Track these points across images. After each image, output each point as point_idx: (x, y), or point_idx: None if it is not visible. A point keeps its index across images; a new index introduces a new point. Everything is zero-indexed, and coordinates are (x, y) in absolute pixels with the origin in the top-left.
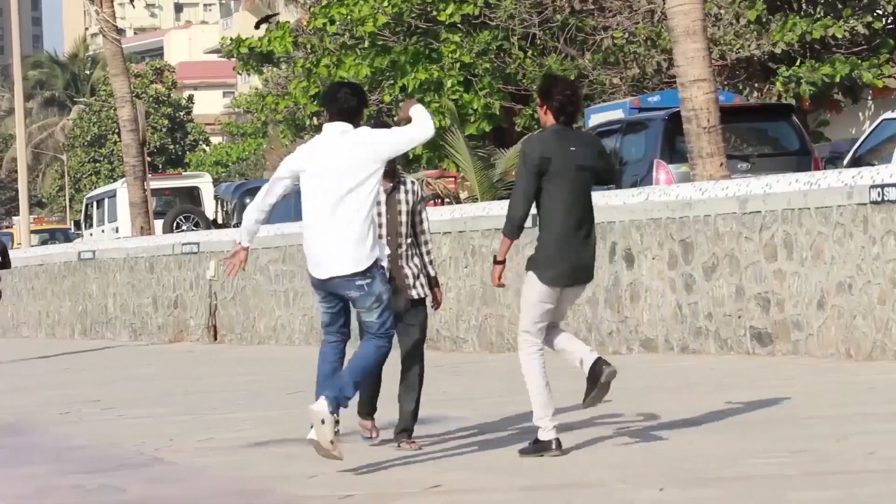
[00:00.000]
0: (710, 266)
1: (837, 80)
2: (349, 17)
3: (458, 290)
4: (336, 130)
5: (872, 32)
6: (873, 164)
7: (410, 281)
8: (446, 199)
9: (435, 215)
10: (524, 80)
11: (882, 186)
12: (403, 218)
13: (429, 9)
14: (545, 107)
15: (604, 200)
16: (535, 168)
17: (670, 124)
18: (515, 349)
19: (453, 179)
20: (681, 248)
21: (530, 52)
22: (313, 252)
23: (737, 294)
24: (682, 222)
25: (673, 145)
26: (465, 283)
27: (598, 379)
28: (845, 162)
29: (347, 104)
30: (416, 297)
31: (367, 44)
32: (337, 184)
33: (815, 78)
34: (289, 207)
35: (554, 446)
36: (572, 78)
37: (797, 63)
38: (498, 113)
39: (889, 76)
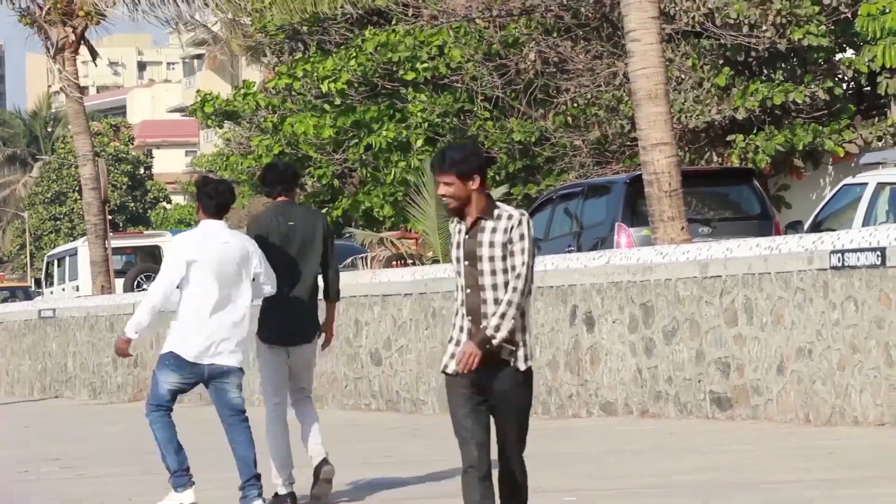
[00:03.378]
0: (671, 330)
1: (800, 147)
2: (314, 74)
3: (419, 351)
4: (219, 225)
5: (833, 98)
6: (834, 230)
7: (495, 351)
8: (409, 261)
9: (396, 276)
10: (486, 142)
11: (842, 252)
12: (486, 266)
13: (394, 68)
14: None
15: (565, 263)
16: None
17: (632, 187)
18: None
19: (415, 241)
20: (641, 311)
21: (493, 113)
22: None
23: (697, 358)
24: (642, 286)
25: (634, 209)
26: (425, 344)
27: (318, 475)
28: (806, 227)
29: (227, 200)
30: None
31: (335, 102)
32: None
33: (770, 147)
34: None
35: (289, 501)
36: (534, 140)
37: (755, 131)
38: None
39: (849, 142)
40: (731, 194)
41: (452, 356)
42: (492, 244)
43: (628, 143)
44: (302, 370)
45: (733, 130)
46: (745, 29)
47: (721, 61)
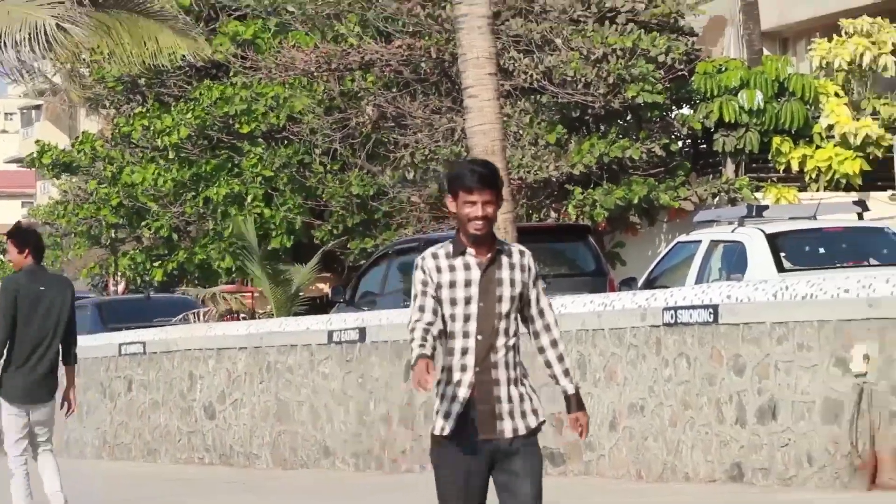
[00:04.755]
0: None
1: (635, 201)
2: (152, 128)
3: (253, 405)
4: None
5: (669, 154)
6: (667, 287)
7: (505, 407)
8: (242, 315)
9: (231, 330)
10: (324, 195)
11: (675, 309)
12: (505, 307)
13: (231, 122)
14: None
15: (400, 318)
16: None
17: None
18: (309, 465)
19: (250, 294)
20: None
21: (331, 166)
22: None
23: None
24: None
25: None
26: (259, 398)
27: None
28: (639, 284)
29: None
30: (512, 432)
31: (170, 155)
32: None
33: (609, 202)
34: (83, 320)
35: None
36: (372, 194)
37: (592, 185)
38: (299, 227)
39: (685, 198)
40: (567, 251)
41: (446, 416)
42: (512, 283)
43: None
44: (42, 426)
45: (571, 185)
46: (582, 87)
47: (558, 117)
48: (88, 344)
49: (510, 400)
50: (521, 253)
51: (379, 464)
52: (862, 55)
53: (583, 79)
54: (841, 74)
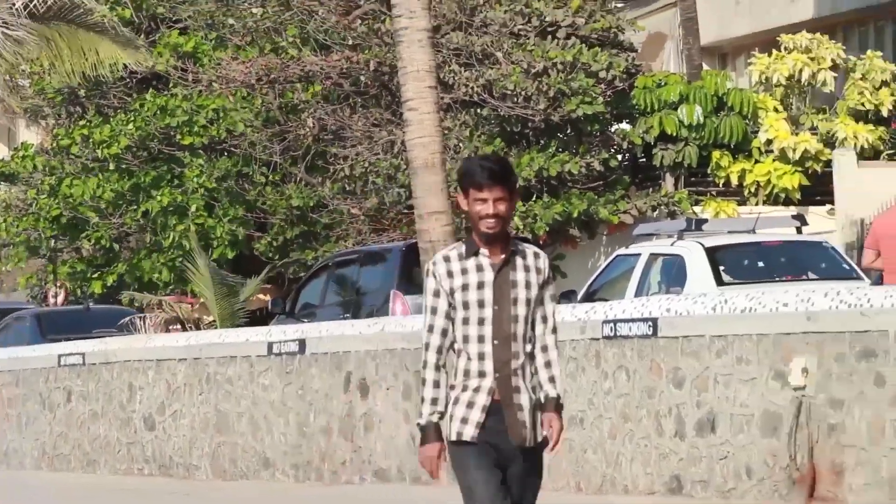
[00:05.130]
0: None
1: (575, 214)
2: (92, 138)
3: (193, 416)
4: None
5: (608, 168)
6: (607, 300)
7: (527, 417)
8: (187, 325)
9: (171, 341)
10: (264, 207)
11: (614, 322)
12: (521, 310)
13: (172, 133)
14: None
15: (339, 330)
16: None
17: (408, 255)
18: (249, 476)
19: (191, 305)
20: (415, 379)
21: (271, 178)
22: None
23: None
24: (417, 353)
25: (410, 276)
26: (199, 409)
27: None
28: (579, 297)
29: None
30: (532, 441)
31: (111, 166)
32: None
33: (548, 216)
34: (22, 331)
35: None
36: (312, 206)
37: (533, 198)
38: (241, 239)
39: (624, 212)
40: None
41: (465, 421)
42: (528, 285)
43: (405, 210)
44: None
45: None
46: (522, 100)
47: (498, 130)
48: (27, 355)
49: (531, 408)
50: (536, 255)
51: (319, 475)
52: (801, 71)
53: (523, 92)
54: (780, 90)
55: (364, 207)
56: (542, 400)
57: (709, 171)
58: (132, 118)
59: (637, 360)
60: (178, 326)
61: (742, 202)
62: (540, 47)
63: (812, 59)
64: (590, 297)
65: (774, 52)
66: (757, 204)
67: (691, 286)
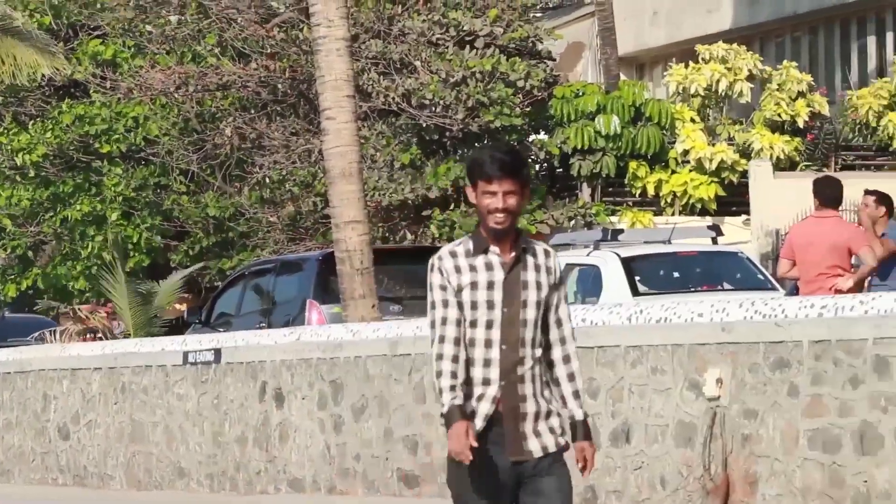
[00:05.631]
0: (360, 407)
1: None
2: (9, 147)
3: (107, 426)
4: None
5: None
6: None
7: (530, 426)
8: (99, 335)
9: (86, 350)
10: (181, 216)
11: None
12: (531, 313)
13: (91, 141)
14: None
15: (255, 339)
16: None
17: (324, 265)
18: (164, 487)
19: (106, 315)
20: (331, 388)
21: (189, 187)
22: None
23: (385, 436)
24: (332, 363)
25: (326, 286)
26: (114, 419)
27: None
28: None
29: None
30: (542, 451)
31: (30, 174)
32: None
33: (467, 225)
34: None
35: None
36: (229, 215)
37: (451, 207)
38: (158, 247)
39: (541, 222)
40: (423, 273)
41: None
42: (538, 286)
43: (322, 220)
44: None
45: (429, 208)
46: (440, 109)
47: (416, 140)
48: None
49: (537, 417)
50: (546, 253)
51: (234, 485)
52: (718, 81)
53: (442, 102)
54: (697, 100)
55: (281, 216)
56: (570, 421)
57: (626, 182)
58: (50, 126)
59: None
60: (93, 336)
61: (658, 213)
62: (458, 57)
63: (729, 69)
64: None
65: (692, 62)
66: (673, 214)
67: (607, 296)
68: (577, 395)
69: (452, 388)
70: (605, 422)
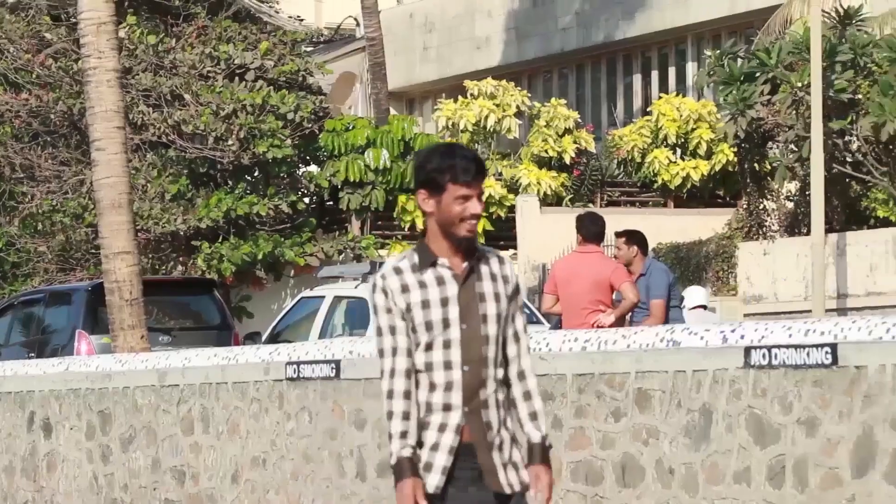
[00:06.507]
0: (128, 438)
1: (261, 257)
2: None
3: None
4: None
5: (296, 211)
6: (291, 342)
7: (500, 456)
8: None
9: None
10: None
11: (298, 363)
12: (492, 329)
13: None
14: None
15: (24, 369)
16: None
17: (93, 295)
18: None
19: None
20: (99, 418)
21: None
22: None
23: (153, 466)
24: (101, 393)
25: (96, 316)
26: None
27: None
28: (264, 338)
29: None
30: (509, 489)
31: None
32: None
33: (237, 257)
34: None
35: None
36: (0, 245)
37: (220, 240)
38: None
39: (311, 254)
40: (192, 304)
41: (428, 468)
42: (497, 297)
43: (92, 250)
44: None
45: (199, 239)
46: (212, 141)
47: (186, 171)
48: None
49: (501, 448)
50: (500, 260)
51: None
52: (486, 117)
53: (213, 133)
54: (466, 135)
55: (51, 246)
56: (526, 444)
57: (395, 216)
58: None
59: (320, 401)
60: None
61: None
62: (228, 89)
63: (497, 105)
64: (274, 338)
65: (461, 98)
66: None
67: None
68: (533, 416)
69: (403, 434)
70: (372, 453)
